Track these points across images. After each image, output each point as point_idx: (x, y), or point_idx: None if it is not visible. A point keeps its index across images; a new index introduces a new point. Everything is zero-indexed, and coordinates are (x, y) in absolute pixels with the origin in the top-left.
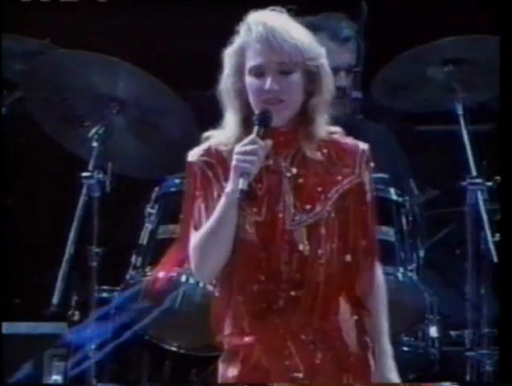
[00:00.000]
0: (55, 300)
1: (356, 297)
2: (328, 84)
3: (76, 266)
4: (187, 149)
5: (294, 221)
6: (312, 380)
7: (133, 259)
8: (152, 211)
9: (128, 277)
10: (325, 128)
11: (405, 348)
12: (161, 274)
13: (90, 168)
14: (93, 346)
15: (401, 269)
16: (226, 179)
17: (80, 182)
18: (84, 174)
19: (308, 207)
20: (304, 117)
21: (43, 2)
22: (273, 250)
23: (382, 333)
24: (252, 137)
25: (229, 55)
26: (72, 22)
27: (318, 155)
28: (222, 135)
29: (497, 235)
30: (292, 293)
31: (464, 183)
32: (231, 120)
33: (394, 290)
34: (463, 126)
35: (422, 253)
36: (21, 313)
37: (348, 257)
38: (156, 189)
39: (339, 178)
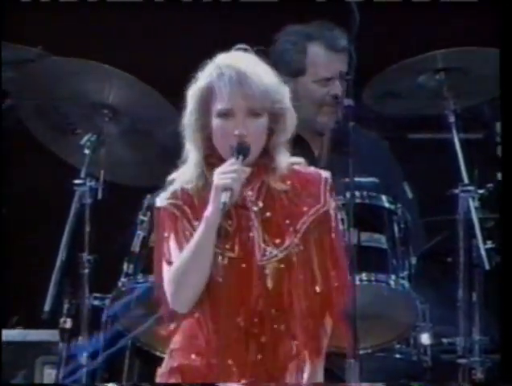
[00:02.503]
0: (46, 307)
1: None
2: (291, 123)
3: (67, 273)
4: (179, 156)
5: (265, 256)
6: None
7: (125, 266)
8: (144, 218)
9: (120, 284)
10: (287, 160)
11: (397, 355)
12: None
13: (82, 175)
14: (86, 354)
15: (393, 277)
16: (195, 217)
17: (72, 190)
18: (77, 181)
19: (278, 241)
20: (266, 152)
21: (35, 8)
22: (245, 286)
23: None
24: (231, 160)
25: (194, 93)
26: (64, 29)
27: (282, 187)
28: (185, 173)
29: (489, 242)
30: (257, 330)
31: (455, 191)
32: (193, 156)
33: (386, 298)
34: (455, 134)
35: (414, 261)
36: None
37: (317, 288)
38: (148, 196)
39: (305, 208)
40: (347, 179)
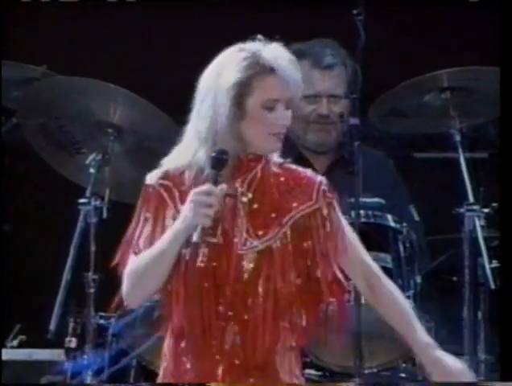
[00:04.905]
0: (52, 326)
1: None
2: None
3: (73, 293)
4: None
5: (245, 246)
6: None
7: None
8: None
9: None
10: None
11: (402, 375)
12: None
13: (87, 194)
14: (90, 373)
15: None
16: (182, 201)
17: (77, 209)
18: (82, 200)
19: (261, 232)
20: None
21: (41, 27)
22: (222, 273)
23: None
24: (209, 187)
25: (231, 85)
26: (69, 48)
27: (275, 181)
28: (182, 156)
29: (494, 261)
30: (233, 319)
31: (461, 210)
32: (200, 144)
33: None
34: (460, 153)
35: (419, 280)
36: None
37: (298, 281)
38: None
39: (294, 204)
40: (352, 199)
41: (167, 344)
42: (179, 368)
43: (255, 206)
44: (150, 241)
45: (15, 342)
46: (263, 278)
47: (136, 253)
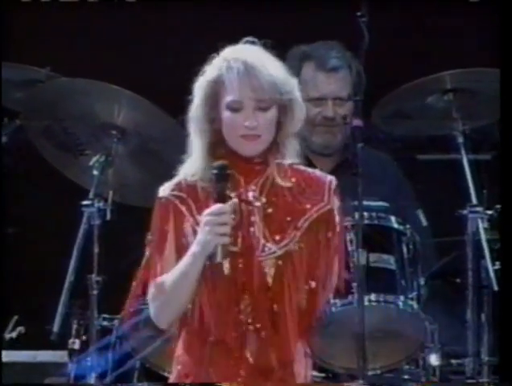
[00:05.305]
0: (55, 328)
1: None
2: (299, 114)
3: (76, 294)
4: None
5: (264, 252)
6: None
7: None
8: None
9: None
10: (294, 155)
11: (406, 377)
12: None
13: (91, 196)
14: (94, 375)
15: (401, 297)
16: (199, 212)
17: (81, 211)
18: (85, 202)
19: (278, 237)
20: (275, 146)
21: (44, 30)
22: (245, 280)
23: None
24: (218, 206)
25: (202, 85)
26: (71, 50)
27: (287, 183)
28: (190, 166)
29: (498, 263)
30: (256, 325)
31: (464, 212)
32: (199, 148)
33: (395, 319)
34: (463, 155)
35: (422, 281)
36: (21, 341)
37: (313, 284)
38: None
39: (308, 206)
40: (356, 202)
41: (183, 347)
42: (197, 369)
43: (270, 210)
44: (176, 257)
45: (14, 334)
46: (285, 283)
47: (163, 269)
